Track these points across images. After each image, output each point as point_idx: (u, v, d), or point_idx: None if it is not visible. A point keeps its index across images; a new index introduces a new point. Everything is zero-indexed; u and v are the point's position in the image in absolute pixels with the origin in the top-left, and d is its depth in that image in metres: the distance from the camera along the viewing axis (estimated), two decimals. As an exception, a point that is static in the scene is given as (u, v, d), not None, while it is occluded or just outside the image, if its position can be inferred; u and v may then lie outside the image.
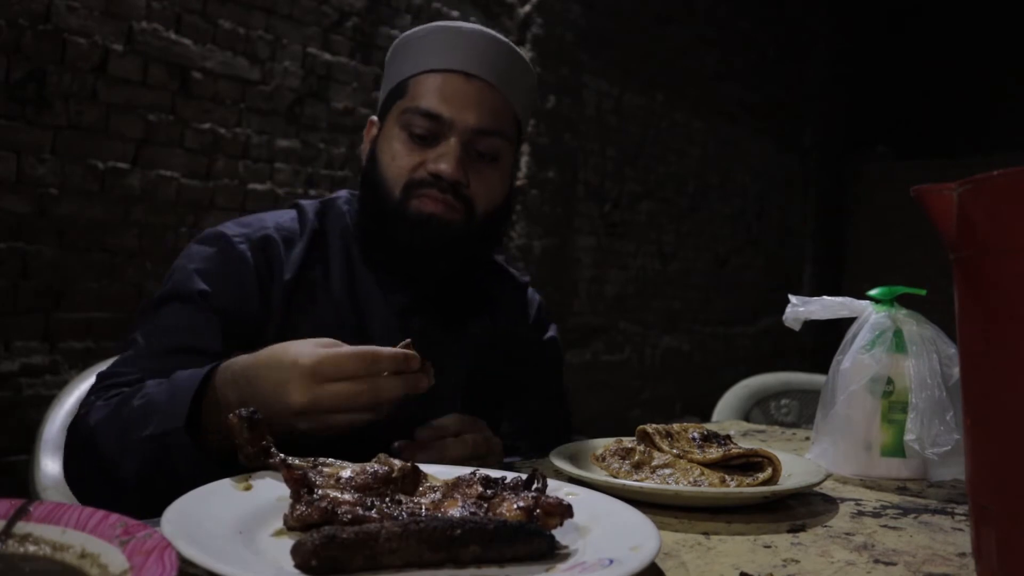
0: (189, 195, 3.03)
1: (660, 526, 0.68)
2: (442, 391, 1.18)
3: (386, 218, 1.11)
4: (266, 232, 1.13)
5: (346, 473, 0.70)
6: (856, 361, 1.09)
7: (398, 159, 1.10)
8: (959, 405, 0.68)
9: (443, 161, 1.07)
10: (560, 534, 0.64)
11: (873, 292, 1.14)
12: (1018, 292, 0.56)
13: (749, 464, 0.91)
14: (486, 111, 1.10)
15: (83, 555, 0.49)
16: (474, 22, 4.11)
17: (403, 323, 1.14)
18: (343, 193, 1.24)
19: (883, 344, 1.08)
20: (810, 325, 1.15)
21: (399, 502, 0.67)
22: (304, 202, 1.21)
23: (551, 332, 1.38)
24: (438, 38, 1.12)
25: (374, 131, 1.18)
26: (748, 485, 0.87)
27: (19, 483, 2.09)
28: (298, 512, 0.62)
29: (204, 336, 1.04)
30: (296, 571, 0.55)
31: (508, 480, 0.71)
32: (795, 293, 1.15)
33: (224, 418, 0.78)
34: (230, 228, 1.13)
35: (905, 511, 0.89)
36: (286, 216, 1.18)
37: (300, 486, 0.66)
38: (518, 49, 1.16)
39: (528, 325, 1.34)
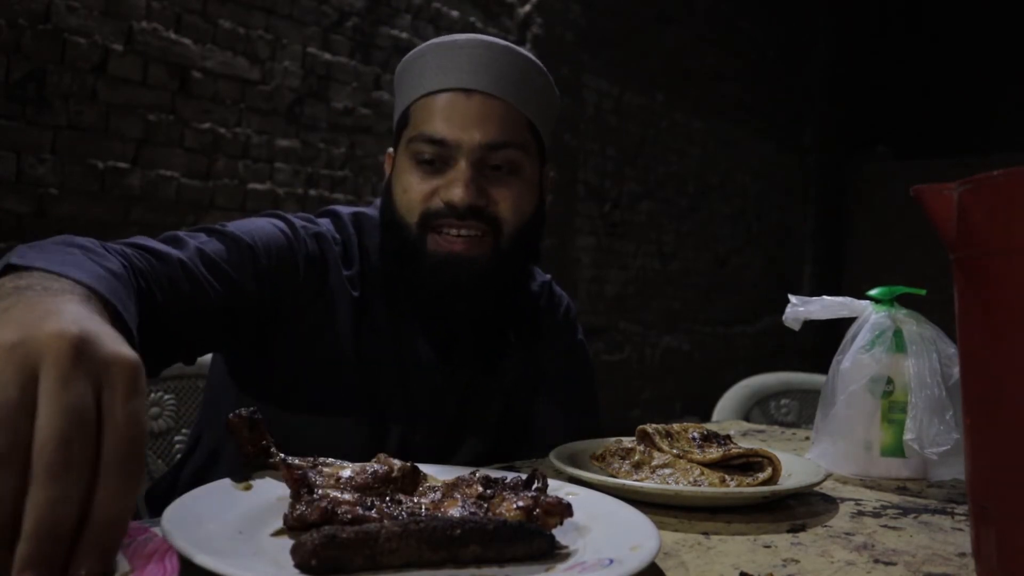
0: (189, 195, 3.03)
1: (660, 526, 0.68)
2: (477, 429, 1.15)
3: (405, 258, 1.06)
4: (319, 231, 1.09)
5: (346, 473, 0.70)
6: (856, 361, 1.09)
7: (410, 191, 1.05)
8: (959, 405, 0.68)
9: (454, 187, 1.02)
10: (560, 534, 0.64)
11: (873, 292, 1.14)
12: (1018, 292, 0.56)
13: (749, 464, 0.91)
14: (492, 125, 1.04)
15: (83, 555, 0.49)
16: (474, 23, 4.12)
17: (442, 366, 1.11)
18: (374, 213, 1.17)
19: (883, 344, 1.08)
20: (810, 325, 1.14)
21: (399, 502, 0.67)
22: (341, 210, 1.16)
23: (578, 335, 1.32)
24: (432, 57, 1.08)
25: (390, 165, 1.14)
26: (748, 485, 0.87)
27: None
28: (298, 512, 0.62)
29: (234, 264, 0.97)
30: (296, 571, 0.55)
31: (508, 480, 0.71)
32: (795, 293, 1.15)
33: None
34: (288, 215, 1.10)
35: (905, 511, 0.89)
36: (326, 223, 1.14)
37: (300, 486, 0.66)
38: (520, 49, 1.10)
39: (557, 335, 1.27)
